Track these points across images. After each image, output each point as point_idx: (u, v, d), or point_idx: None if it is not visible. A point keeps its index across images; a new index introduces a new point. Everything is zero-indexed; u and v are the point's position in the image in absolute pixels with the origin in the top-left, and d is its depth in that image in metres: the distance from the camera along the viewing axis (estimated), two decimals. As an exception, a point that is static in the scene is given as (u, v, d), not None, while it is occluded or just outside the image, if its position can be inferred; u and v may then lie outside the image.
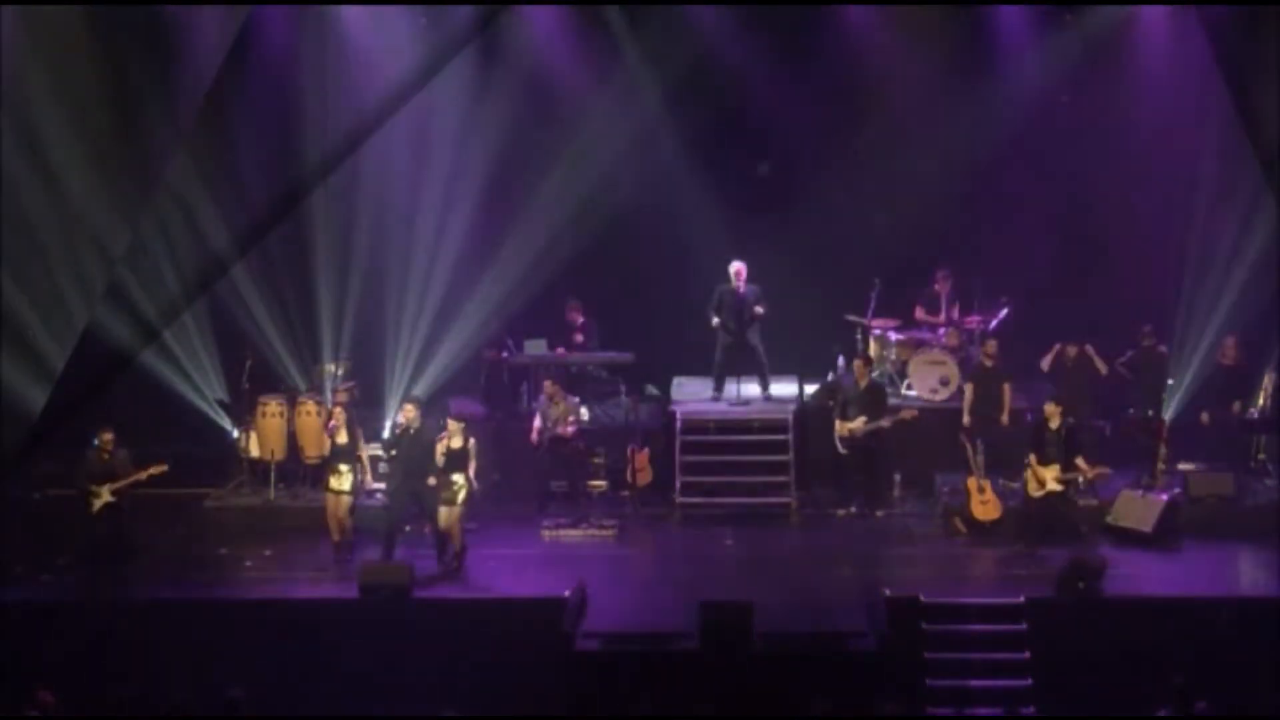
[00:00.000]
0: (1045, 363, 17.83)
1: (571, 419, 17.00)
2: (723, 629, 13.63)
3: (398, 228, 18.74)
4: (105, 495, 15.49)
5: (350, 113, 16.89)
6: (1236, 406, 17.27)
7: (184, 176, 17.25)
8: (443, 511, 15.54)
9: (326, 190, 17.46)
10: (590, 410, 18.29)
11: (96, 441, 15.62)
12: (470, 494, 15.61)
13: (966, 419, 17.21)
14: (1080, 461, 15.90)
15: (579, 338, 18.86)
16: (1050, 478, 15.78)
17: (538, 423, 17.06)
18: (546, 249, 18.70)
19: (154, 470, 15.70)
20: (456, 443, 15.64)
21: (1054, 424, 15.95)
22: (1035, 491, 15.91)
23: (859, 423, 17.02)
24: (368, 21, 18.17)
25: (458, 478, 15.56)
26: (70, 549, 15.74)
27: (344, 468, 15.84)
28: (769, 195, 19.20)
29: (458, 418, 15.84)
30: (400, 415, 16.00)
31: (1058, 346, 17.73)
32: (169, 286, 16.50)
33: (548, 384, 17.22)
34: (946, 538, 16.65)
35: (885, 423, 17.06)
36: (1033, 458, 15.91)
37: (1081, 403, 17.25)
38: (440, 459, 15.55)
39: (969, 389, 17.43)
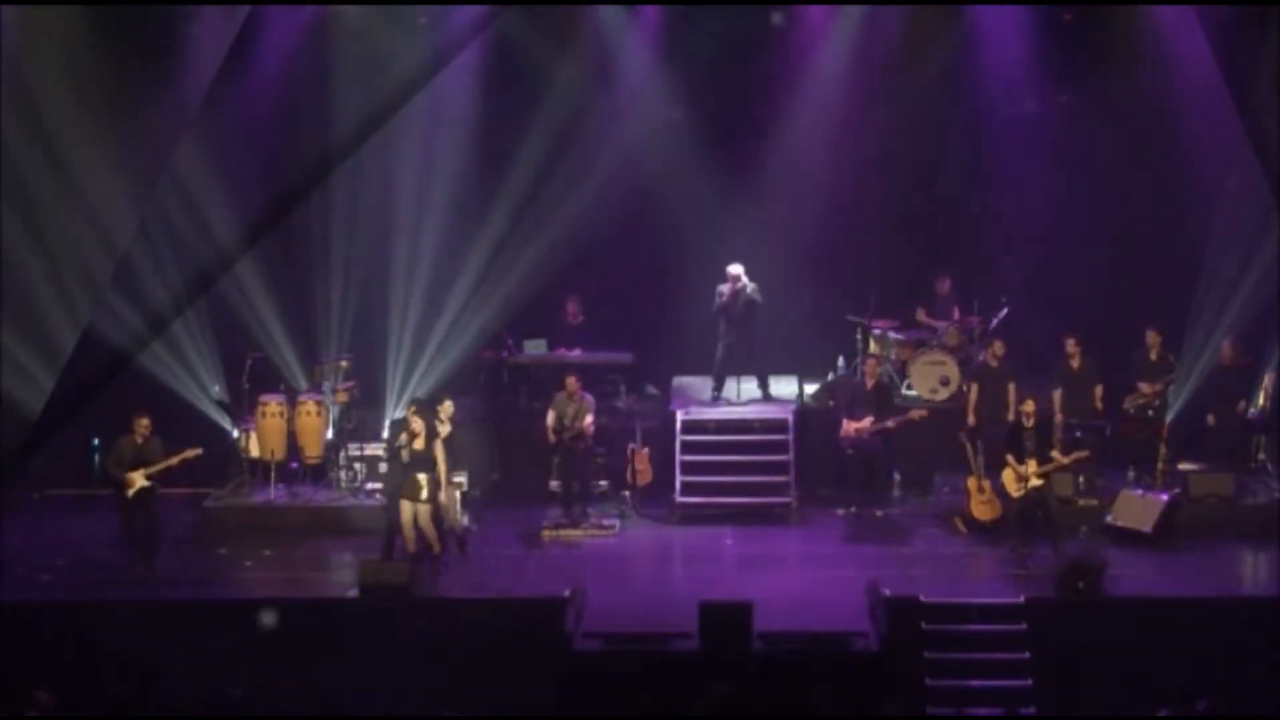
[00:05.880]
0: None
1: (589, 418, 16.99)
2: (723, 629, 13.63)
3: (398, 226, 18.74)
4: (140, 480, 15.50)
5: (351, 111, 16.91)
6: (1242, 406, 17.25)
7: (186, 172, 17.28)
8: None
9: (327, 188, 17.47)
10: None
11: (132, 427, 15.61)
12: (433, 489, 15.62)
13: (971, 419, 17.22)
14: (1055, 453, 15.92)
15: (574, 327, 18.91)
16: (1030, 472, 15.78)
17: (551, 420, 17.05)
18: (547, 248, 18.70)
19: (188, 454, 15.71)
20: (446, 425, 15.79)
21: (1029, 422, 15.96)
22: (1017, 490, 15.90)
23: (866, 422, 17.00)
24: (369, 19, 18.17)
25: (421, 476, 15.57)
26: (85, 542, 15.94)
27: (422, 476, 15.59)
28: (770, 194, 19.17)
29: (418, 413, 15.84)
30: (402, 415, 16.02)
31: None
32: (170, 285, 16.51)
33: (570, 380, 17.14)
34: (946, 538, 16.66)
35: (891, 424, 17.05)
36: (1009, 458, 15.91)
37: (1089, 404, 17.26)
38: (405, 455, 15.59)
39: (974, 388, 17.43)
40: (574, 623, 14.18)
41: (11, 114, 15.63)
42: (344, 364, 18.38)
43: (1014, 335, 18.14)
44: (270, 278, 18.36)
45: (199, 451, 15.86)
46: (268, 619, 14.22)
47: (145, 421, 15.57)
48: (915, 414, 17.28)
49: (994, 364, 17.44)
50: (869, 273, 18.97)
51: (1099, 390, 17.33)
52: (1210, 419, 17.32)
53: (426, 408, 16.31)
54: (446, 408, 16.03)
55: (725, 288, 17.85)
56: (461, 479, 17.08)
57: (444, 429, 15.86)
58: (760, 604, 13.84)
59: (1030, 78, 18.68)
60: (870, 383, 17.28)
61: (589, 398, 17.19)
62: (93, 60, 16.39)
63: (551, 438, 17.02)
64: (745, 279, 17.85)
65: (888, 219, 19.13)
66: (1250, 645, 13.92)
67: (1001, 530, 16.24)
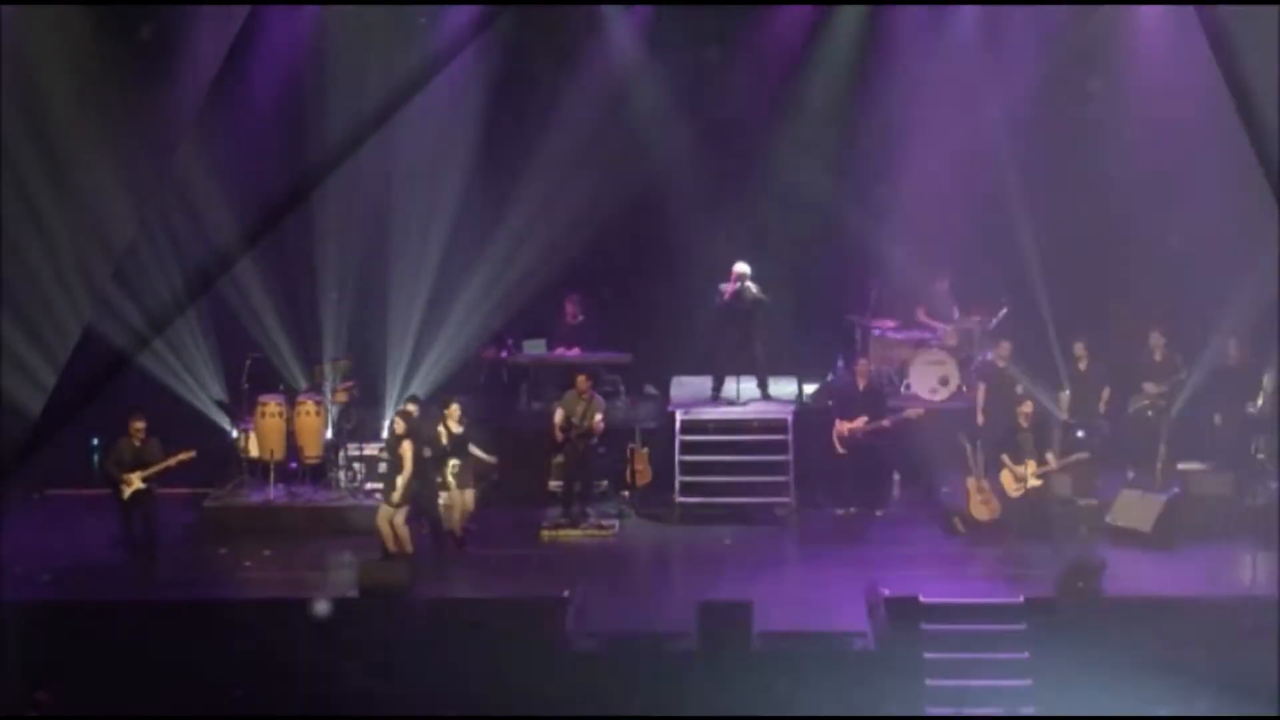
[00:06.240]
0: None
1: (599, 416, 17.00)
2: (722, 629, 13.63)
3: (398, 226, 18.74)
4: (136, 482, 15.51)
5: (351, 111, 16.91)
6: (1250, 406, 17.24)
7: (186, 172, 17.27)
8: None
9: (327, 187, 17.44)
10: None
11: (127, 430, 15.62)
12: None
13: (980, 418, 17.25)
14: (1050, 455, 15.92)
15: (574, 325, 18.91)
16: (1029, 473, 15.78)
17: (559, 418, 17.04)
18: (547, 248, 18.71)
19: (183, 456, 15.71)
20: (456, 428, 15.87)
21: (1026, 423, 15.95)
22: (1014, 490, 15.90)
23: (860, 422, 17.04)
24: (369, 19, 18.17)
25: (457, 462, 15.74)
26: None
27: (399, 479, 15.57)
28: (770, 195, 19.18)
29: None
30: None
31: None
32: (170, 284, 16.51)
33: (581, 379, 17.14)
34: (946, 538, 16.67)
35: (886, 422, 17.09)
36: (1006, 458, 15.91)
37: (1095, 407, 17.27)
38: (444, 441, 15.72)
39: (981, 388, 17.47)
40: (574, 623, 14.19)
41: (12, 114, 15.63)
42: (343, 364, 18.37)
43: (1015, 335, 18.15)
44: (270, 277, 18.35)
45: (193, 454, 15.86)
46: (321, 609, 14.24)
47: (139, 424, 15.57)
48: (911, 413, 17.32)
49: (1001, 364, 17.46)
50: (869, 272, 18.98)
51: (1105, 393, 17.36)
52: (1217, 419, 17.31)
53: (427, 407, 16.36)
54: (454, 411, 16.06)
55: (727, 286, 17.85)
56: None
57: (442, 435, 15.92)
58: (760, 604, 13.84)
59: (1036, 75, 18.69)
60: (862, 383, 17.32)
61: (598, 397, 17.22)
62: (93, 60, 16.39)
63: (559, 435, 17.03)
64: (744, 280, 17.83)
65: (887, 217, 19.10)
66: (1250, 645, 13.90)
67: (1001, 530, 16.24)
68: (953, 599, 14.57)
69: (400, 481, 15.40)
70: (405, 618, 14.59)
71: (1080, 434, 16.78)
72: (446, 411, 16.10)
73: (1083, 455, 16.23)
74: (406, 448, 15.48)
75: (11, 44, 15.87)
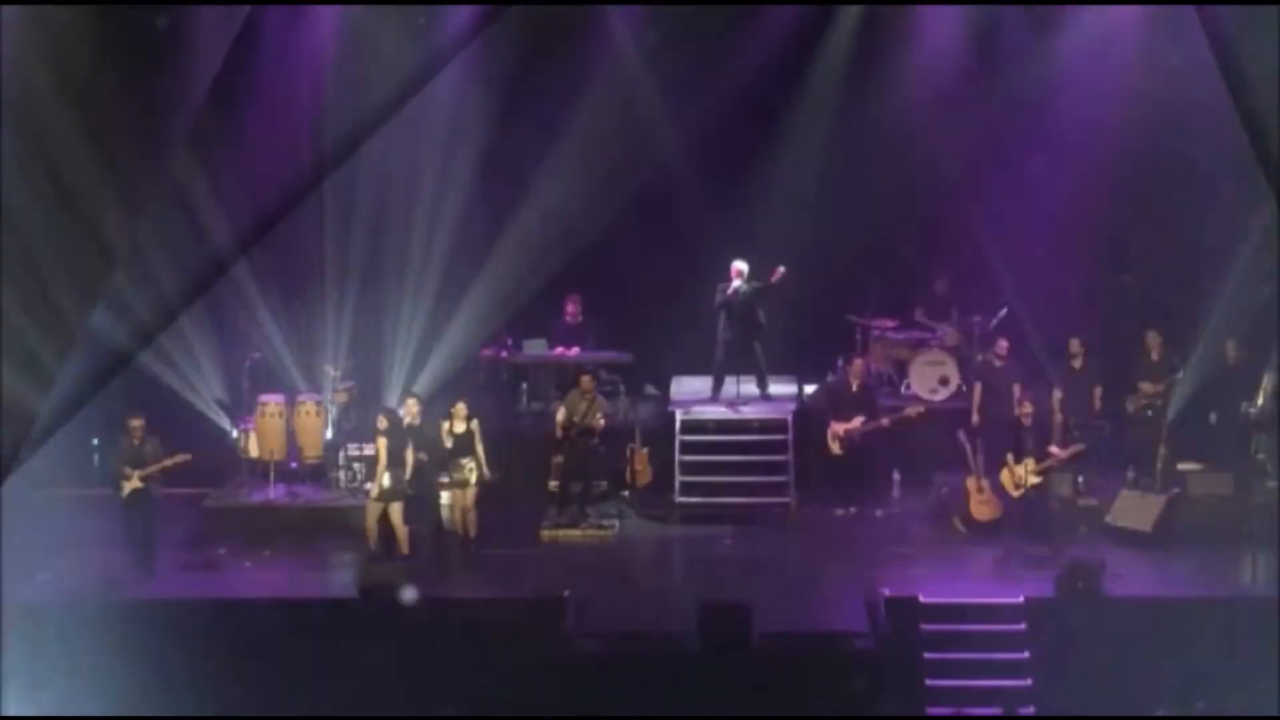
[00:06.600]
0: None
1: (601, 416, 17.00)
2: (722, 629, 13.64)
3: (398, 226, 18.74)
4: (134, 481, 15.54)
5: (351, 111, 16.90)
6: (1248, 406, 17.24)
7: (186, 172, 17.26)
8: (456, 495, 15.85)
9: (327, 188, 17.47)
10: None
11: (127, 429, 15.65)
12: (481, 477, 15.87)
13: (975, 418, 17.26)
14: (1053, 448, 15.94)
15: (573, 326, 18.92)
16: (1028, 472, 15.80)
17: (562, 416, 17.04)
18: (547, 248, 18.71)
19: (178, 459, 15.73)
20: (460, 427, 15.84)
21: (1027, 422, 15.98)
22: (1015, 490, 15.92)
23: (856, 423, 17.05)
24: (369, 19, 18.18)
25: (466, 461, 15.74)
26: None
27: (386, 475, 15.70)
28: (770, 194, 19.19)
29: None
30: (402, 413, 16.04)
31: None
32: (170, 284, 16.50)
33: (586, 379, 17.14)
34: (945, 537, 16.67)
35: (885, 422, 17.10)
36: (1009, 458, 15.93)
37: (1089, 405, 17.29)
38: (447, 441, 15.74)
39: (977, 388, 17.49)
40: (574, 623, 14.19)
41: (11, 113, 15.61)
42: (344, 364, 18.37)
43: (1014, 335, 18.14)
44: (270, 277, 18.36)
45: (188, 457, 15.86)
46: (407, 595, 14.28)
47: (137, 423, 15.59)
48: (910, 411, 17.34)
49: (998, 364, 17.48)
50: (868, 273, 18.98)
51: (1098, 391, 17.37)
52: (1212, 418, 17.31)
53: (429, 407, 16.37)
54: (460, 410, 16.07)
55: (727, 285, 17.85)
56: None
57: (445, 435, 15.95)
58: (760, 604, 13.85)
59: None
60: (855, 383, 17.34)
61: (601, 397, 17.24)
62: (91, 60, 16.37)
63: (559, 434, 17.03)
64: (744, 279, 17.82)
65: (887, 218, 19.10)
66: (1250, 645, 13.91)
67: (1001, 530, 16.25)
68: (952, 599, 14.58)
69: (376, 474, 15.50)
70: (405, 618, 14.58)
71: (1078, 434, 16.77)
72: (453, 410, 16.10)
73: (1080, 447, 16.22)
74: (381, 444, 15.59)
75: (10, 43, 15.86)
